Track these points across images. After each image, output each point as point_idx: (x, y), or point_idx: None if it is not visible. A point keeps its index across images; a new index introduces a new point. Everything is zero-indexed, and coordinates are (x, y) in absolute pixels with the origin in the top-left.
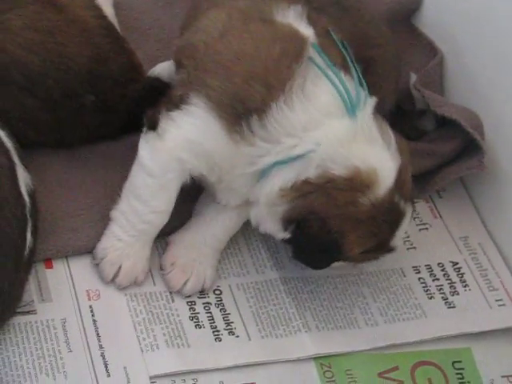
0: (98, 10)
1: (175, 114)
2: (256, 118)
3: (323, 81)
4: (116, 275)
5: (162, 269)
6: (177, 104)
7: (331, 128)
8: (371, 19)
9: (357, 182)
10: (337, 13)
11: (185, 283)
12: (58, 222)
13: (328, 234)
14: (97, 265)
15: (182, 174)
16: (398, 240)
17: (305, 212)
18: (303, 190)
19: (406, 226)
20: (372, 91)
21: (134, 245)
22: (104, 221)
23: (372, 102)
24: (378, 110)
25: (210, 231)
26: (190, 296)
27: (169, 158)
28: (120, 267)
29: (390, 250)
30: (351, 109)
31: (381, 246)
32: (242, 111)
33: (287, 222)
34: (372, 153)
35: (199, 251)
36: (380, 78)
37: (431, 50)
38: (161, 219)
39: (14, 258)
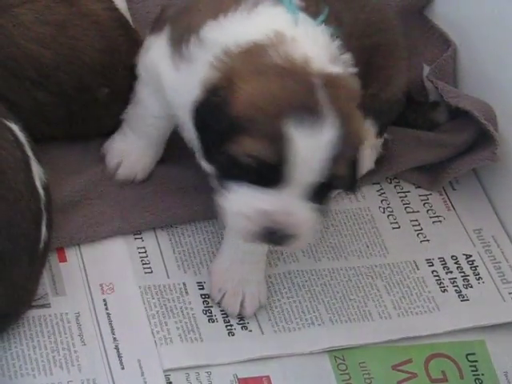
0: (109, 2)
1: (153, 36)
2: (195, 36)
3: None
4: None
5: (212, 298)
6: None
7: None
8: (374, 7)
9: None
10: (338, 5)
11: (242, 305)
12: (69, 210)
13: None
14: (102, 159)
15: None
16: None
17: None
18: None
19: None
20: (380, 74)
21: (137, 143)
22: (114, 208)
23: None
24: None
25: (240, 249)
26: (203, 289)
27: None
28: (121, 162)
29: None
30: None
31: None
32: (186, 37)
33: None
34: None
35: (241, 271)
36: (387, 60)
37: (444, 42)
38: (161, 122)
39: (29, 251)
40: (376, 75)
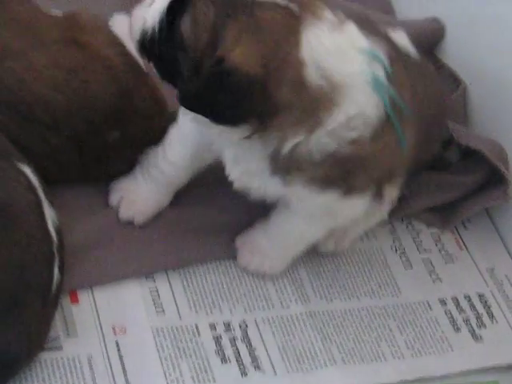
0: (121, 46)
1: None
2: None
3: None
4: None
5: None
6: None
7: None
8: (437, 83)
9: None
10: (414, 76)
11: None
12: (81, 253)
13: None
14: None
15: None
16: None
17: None
18: None
19: None
20: (431, 145)
21: (141, 185)
22: (126, 250)
23: None
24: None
25: (271, 234)
26: (216, 330)
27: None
28: (122, 199)
29: None
30: None
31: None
32: None
33: None
34: None
35: (264, 242)
36: (436, 131)
37: (454, 81)
38: (172, 171)
39: (42, 294)
40: (429, 145)
